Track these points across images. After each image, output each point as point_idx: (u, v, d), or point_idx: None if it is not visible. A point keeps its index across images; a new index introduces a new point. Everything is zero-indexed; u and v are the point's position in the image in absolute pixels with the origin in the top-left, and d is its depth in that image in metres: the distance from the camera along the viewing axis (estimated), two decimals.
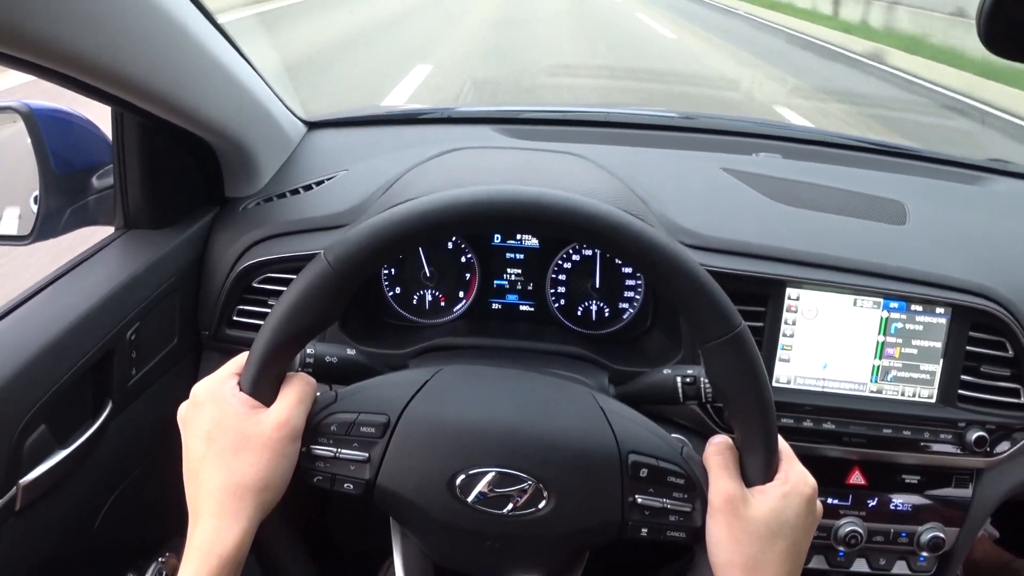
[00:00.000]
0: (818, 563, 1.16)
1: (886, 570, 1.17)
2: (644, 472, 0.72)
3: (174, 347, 1.12)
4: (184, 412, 0.74)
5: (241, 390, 0.72)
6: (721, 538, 0.70)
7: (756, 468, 0.71)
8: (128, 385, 1.03)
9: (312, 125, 1.41)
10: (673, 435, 0.77)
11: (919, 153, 1.58)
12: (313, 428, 0.73)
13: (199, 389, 0.74)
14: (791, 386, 1.11)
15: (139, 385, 1.05)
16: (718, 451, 0.73)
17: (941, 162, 1.56)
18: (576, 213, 0.68)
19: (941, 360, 1.11)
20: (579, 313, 1.16)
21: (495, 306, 1.17)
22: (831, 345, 1.11)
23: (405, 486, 0.72)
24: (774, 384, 1.11)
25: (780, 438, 0.73)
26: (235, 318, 1.13)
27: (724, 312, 0.69)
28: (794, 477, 0.72)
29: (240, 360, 0.74)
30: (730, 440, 0.74)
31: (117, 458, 1.03)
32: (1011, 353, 1.12)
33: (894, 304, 1.10)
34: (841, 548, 1.15)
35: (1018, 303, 1.12)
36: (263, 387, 0.72)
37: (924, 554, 1.16)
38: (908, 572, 1.18)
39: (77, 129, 1.16)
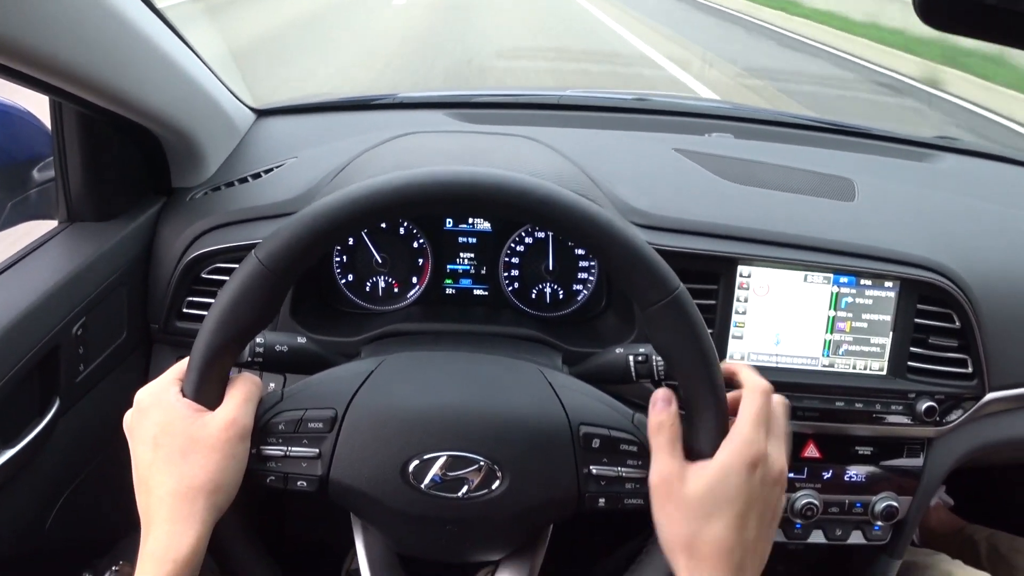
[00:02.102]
0: (775, 536, 1.18)
1: (842, 540, 1.20)
2: (596, 443, 0.73)
3: (123, 341, 1.10)
4: (129, 419, 0.73)
5: (185, 395, 0.71)
6: (659, 519, 0.70)
7: (705, 430, 0.70)
8: (76, 382, 1.00)
9: (261, 113, 1.39)
10: (636, 412, 0.77)
11: (868, 131, 1.60)
12: (261, 429, 0.72)
13: (142, 396, 0.73)
14: (745, 362, 1.12)
15: (88, 381, 1.03)
16: (659, 428, 0.71)
17: (890, 140, 1.59)
18: (508, 189, 0.68)
19: (891, 333, 1.14)
20: (533, 296, 1.16)
21: (449, 291, 1.17)
22: (783, 321, 1.12)
23: (358, 478, 0.72)
24: (728, 361, 1.12)
25: (744, 395, 0.72)
26: (185, 310, 1.11)
27: (661, 276, 0.69)
28: (737, 443, 0.69)
29: (181, 366, 0.73)
30: (673, 411, 0.72)
31: (68, 456, 1.01)
32: (958, 324, 1.15)
33: (844, 279, 1.12)
34: (798, 520, 1.17)
35: (964, 275, 1.15)
36: (206, 390, 0.71)
37: (879, 523, 1.19)
38: (863, 541, 1.21)
39: (15, 120, 1.13)
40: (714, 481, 0.68)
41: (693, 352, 0.70)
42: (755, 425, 0.71)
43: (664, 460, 0.70)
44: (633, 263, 0.69)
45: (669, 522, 0.70)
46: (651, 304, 0.69)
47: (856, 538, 1.20)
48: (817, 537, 1.19)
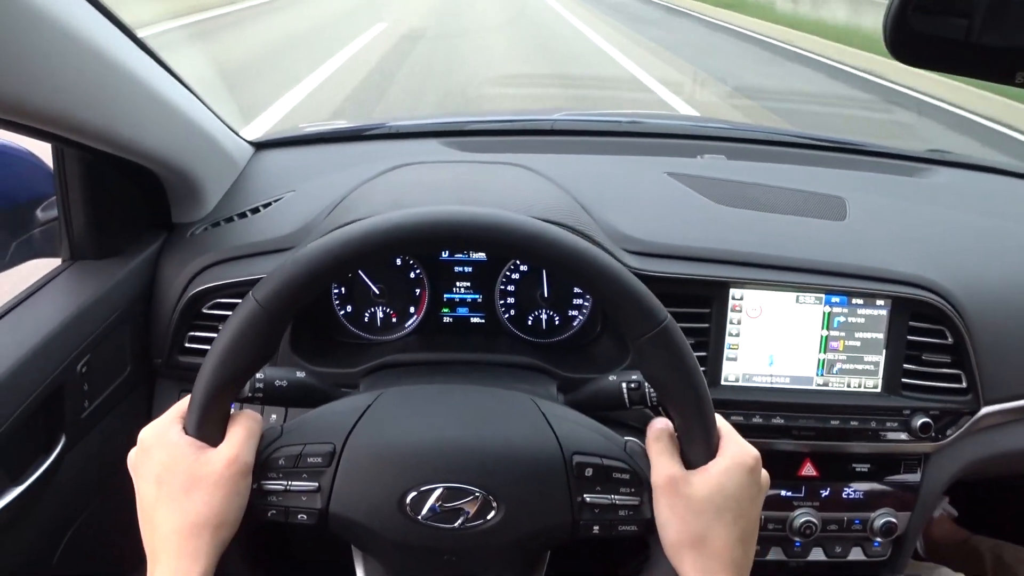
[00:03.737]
0: (776, 554, 1.19)
1: (842, 557, 1.20)
2: (589, 471, 0.74)
3: (127, 377, 1.11)
4: (133, 458, 0.75)
5: (187, 433, 0.73)
6: (667, 519, 0.72)
7: (697, 451, 0.73)
8: (81, 418, 1.02)
9: (259, 146, 1.41)
10: (628, 438, 0.79)
11: (860, 147, 1.61)
12: (262, 464, 0.74)
13: (146, 435, 0.74)
14: (740, 384, 1.14)
15: (93, 417, 1.05)
16: (657, 437, 0.75)
17: (882, 155, 1.60)
18: (497, 228, 0.70)
19: (884, 351, 1.15)
20: (529, 322, 1.18)
21: (446, 320, 1.18)
22: (776, 342, 1.14)
23: (357, 510, 0.73)
24: (723, 383, 1.14)
25: (718, 416, 0.75)
26: (187, 345, 1.13)
27: (649, 308, 0.71)
28: (733, 450, 0.73)
29: (183, 404, 0.75)
30: (669, 424, 0.76)
31: (73, 492, 1.02)
32: (951, 340, 1.16)
33: (835, 299, 1.13)
34: (797, 539, 1.17)
35: (955, 291, 1.16)
36: (208, 428, 0.72)
37: (878, 539, 1.20)
38: (864, 558, 1.21)
39: (17, 162, 1.15)
40: (722, 480, 0.72)
41: (682, 382, 0.72)
42: (740, 437, 0.76)
43: (666, 463, 0.73)
44: (620, 296, 0.71)
45: (677, 520, 0.72)
46: (640, 336, 0.71)
47: (856, 555, 1.21)
48: (817, 555, 1.20)
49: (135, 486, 0.74)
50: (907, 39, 0.65)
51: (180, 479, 0.71)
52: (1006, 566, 1.52)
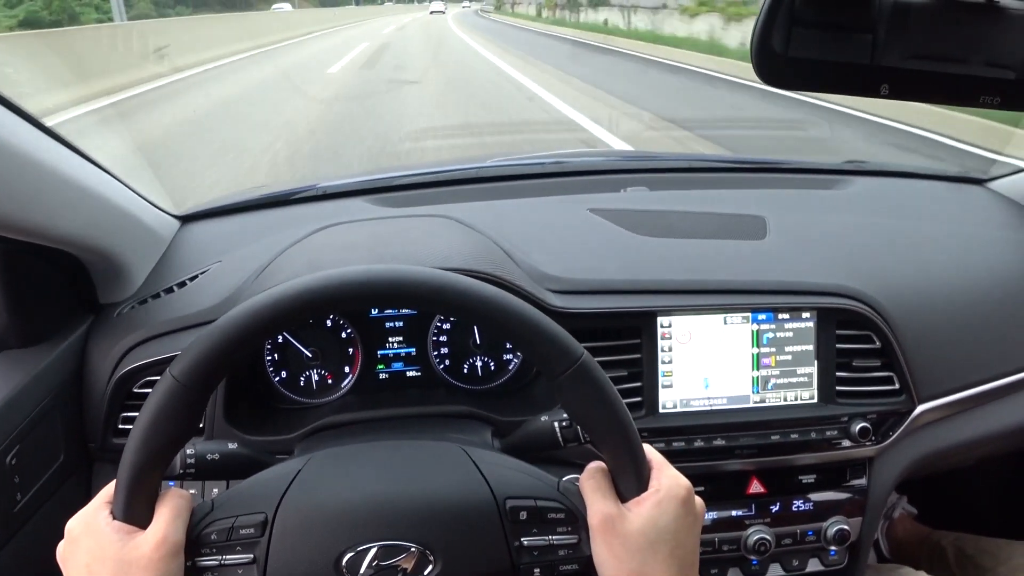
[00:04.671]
0: (734, 575, 1.20)
1: (800, 570, 1.21)
2: (524, 515, 0.74)
3: (61, 464, 1.09)
4: (62, 550, 0.73)
5: (115, 518, 0.71)
6: (604, 558, 0.72)
7: (628, 484, 0.74)
8: (13, 512, 0.99)
9: (185, 219, 1.40)
10: (566, 476, 0.79)
11: (778, 165, 1.66)
12: (194, 541, 0.73)
13: (73, 524, 0.73)
14: (678, 409, 1.15)
15: (26, 510, 1.02)
16: (590, 475, 0.75)
17: (800, 171, 1.65)
18: (400, 283, 0.71)
19: (815, 362, 1.17)
20: (465, 371, 1.18)
21: (383, 376, 1.18)
22: (709, 364, 1.15)
23: None
24: (661, 411, 1.15)
25: (648, 447, 0.76)
26: (120, 426, 1.11)
27: (564, 347, 0.72)
28: (666, 483, 0.74)
29: (110, 489, 0.74)
30: (602, 464, 0.76)
31: None
32: (878, 344, 1.19)
33: (762, 316, 1.16)
34: (753, 557, 1.18)
35: (877, 296, 1.19)
36: (136, 510, 0.71)
37: (834, 548, 1.21)
38: (822, 568, 1.22)
39: None
40: (655, 513, 0.72)
41: (605, 416, 0.73)
42: (671, 468, 0.76)
43: (600, 501, 0.73)
44: (534, 337, 0.72)
45: (614, 560, 0.72)
46: (558, 375, 0.72)
47: (814, 566, 1.22)
48: (775, 571, 1.21)
49: None
50: (770, 64, 0.68)
51: (110, 567, 0.69)
52: (968, 557, 1.55)
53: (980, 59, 0.69)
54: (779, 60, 0.68)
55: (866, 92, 0.68)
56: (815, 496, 1.20)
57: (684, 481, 0.75)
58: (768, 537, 1.17)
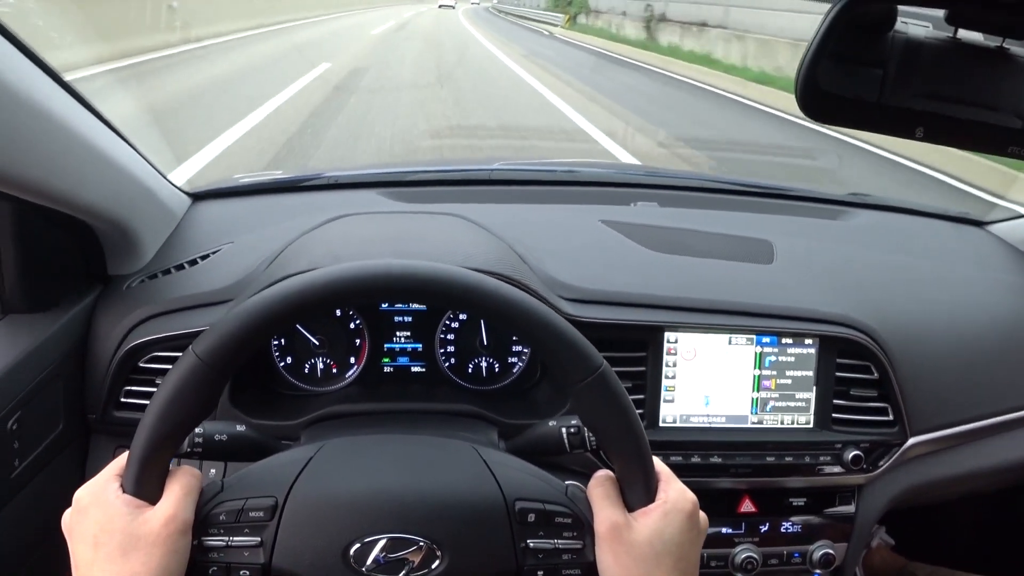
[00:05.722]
0: None
1: None
2: (532, 517, 0.75)
3: (59, 433, 1.08)
4: (68, 519, 0.73)
5: (124, 491, 0.71)
6: (609, 565, 0.73)
7: (636, 494, 0.75)
8: (10, 477, 0.99)
9: (196, 196, 1.40)
10: (569, 482, 0.80)
11: (786, 192, 1.68)
12: (202, 520, 0.73)
13: (82, 494, 0.73)
14: (678, 424, 1.17)
15: (23, 476, 1.01)
16: (599, 483, 0.77)
17: (806, 199, 1.67)
18: (434, 281, 0.72)
19: (814, 388, 1.19)
20: (470, 370, 1.19)
21: (387, 369, 1.19)
22: (711, 383, 1.17)
23: (300, 564, 0.73)
24: (662, 424, 1.16)
25: (657, 460, 0.77)
26: (123, 399, 1.11)
27: (584, 355, 0.73)
28: (673, 496, 0.75)
29: (121, 462, 0.74)
30: (610, 472, 0.77)
31: (4, 554, 0.99)
32: (876, 375, 1.21)
33: (766, 339, 1.17)
34: (740, 574, 1.20)
35: (878, 329, 1.21)
36: (146, 486, 0.71)
37: (818, 571, 1.23)
38: None
39: None
40: (662, 524, 0.73)
41: (620, 426, 0.74)
42: (679, 481, 0.78)
43: (608, 509, 0.74)
44: (556, 344, 0.73)
45: (619, 566, 0.73)
46: (576, 383, 0.73)
47: None
48: None
49: (70, 548, 0.72)
50: (815, 99, 0.70)
51: (117, 540, 0.69)
52: None
53: (1011, 109, 0.71)
54: (822, 96, 0.70)
55: (902, 133, 0.70)
56: (804, 519, 1.22)
57: (690, 495, 0.76)
58: (756, 556, 1.19)
